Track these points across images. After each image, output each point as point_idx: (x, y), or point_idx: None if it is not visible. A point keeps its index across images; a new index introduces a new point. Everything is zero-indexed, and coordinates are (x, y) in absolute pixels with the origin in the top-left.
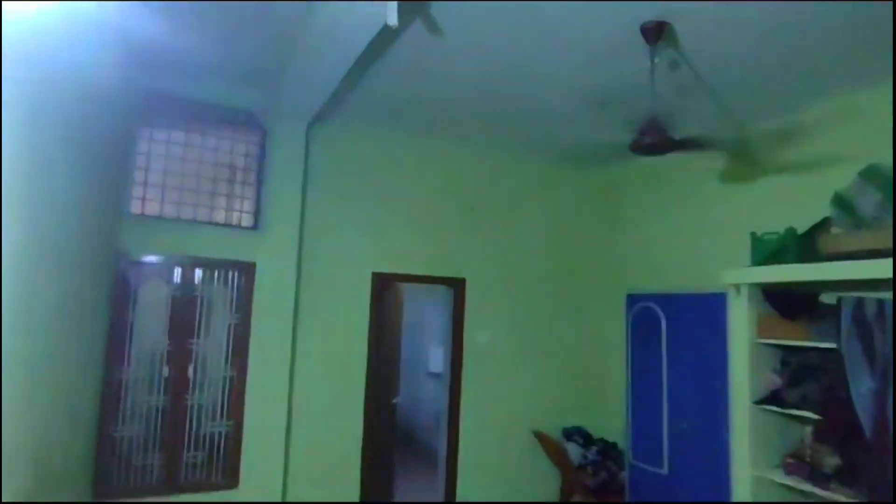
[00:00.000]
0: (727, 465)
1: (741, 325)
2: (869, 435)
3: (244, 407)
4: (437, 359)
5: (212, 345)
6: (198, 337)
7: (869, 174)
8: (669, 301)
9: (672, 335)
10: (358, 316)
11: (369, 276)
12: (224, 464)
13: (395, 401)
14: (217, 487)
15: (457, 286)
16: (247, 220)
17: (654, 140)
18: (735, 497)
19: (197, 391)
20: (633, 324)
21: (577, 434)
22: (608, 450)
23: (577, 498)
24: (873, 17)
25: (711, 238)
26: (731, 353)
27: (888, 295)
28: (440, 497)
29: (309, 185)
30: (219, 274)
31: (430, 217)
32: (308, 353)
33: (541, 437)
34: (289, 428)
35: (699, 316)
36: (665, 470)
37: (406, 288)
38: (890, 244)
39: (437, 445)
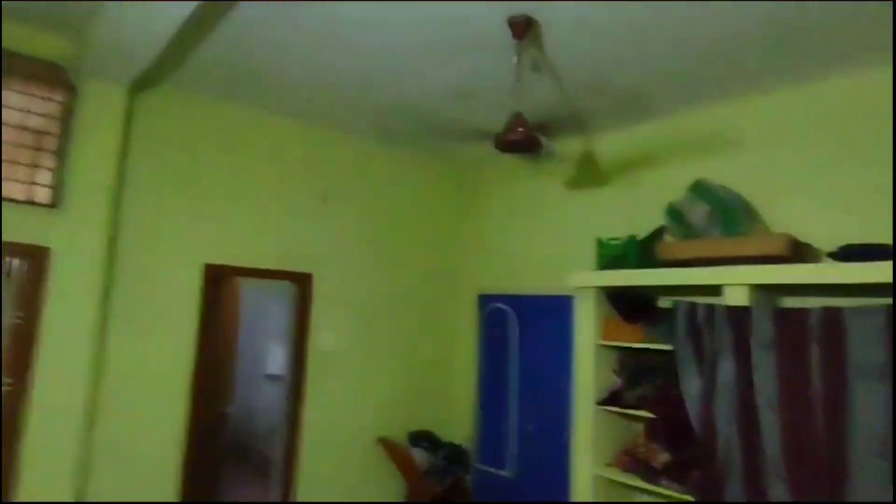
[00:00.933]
0: (569, 466)
1: (586, 328)
2: (697, 431)
3: (21, 426)
4: (276, 359)
5: None
6: None
7: (697, 188)
8: (520, 302)
9: (522, 337)
10: (184, 314)
11: (200, 269)
12: None
13: (227, 410)
14: None
15: (302, 282)
16: (43, 196)
17: (519, 138)
18: (574, 496)
19: None
20: (485, 325)
21: (424, 439)
22: (455, 454)
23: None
24: (741, 31)
25: (562, 240)
26: (575, 355)
27: (717, 300)
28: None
29: (131, 160)
30: None
31: (275, 205)
32: (118, 359)
33: (385, 444)
34: (86, 447)
35: (548, 318)
36: (510, 472)
37: (245, 282)
38: (718, 253)
39: (274, 455)
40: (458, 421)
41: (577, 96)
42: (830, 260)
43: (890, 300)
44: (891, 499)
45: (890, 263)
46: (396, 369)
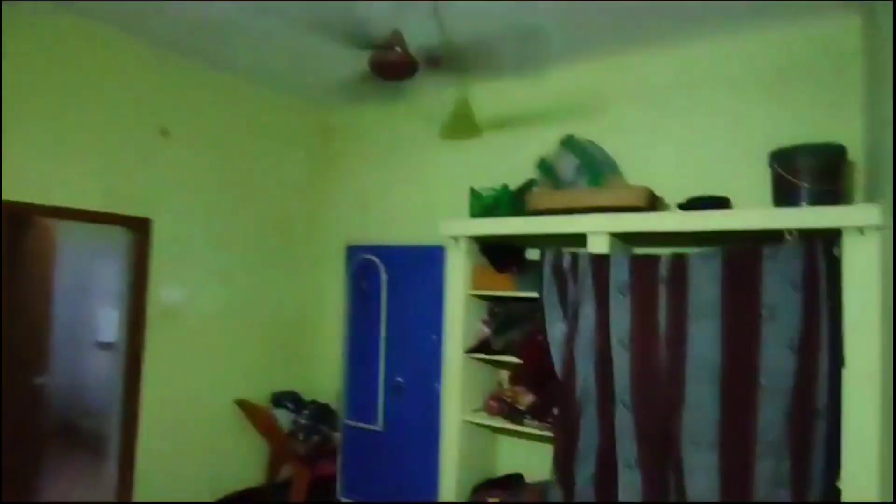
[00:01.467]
0: (439, 415)
1: (457, 278)
2: (560, 374)
3: None
4: (109, 324)
5: None
6: None
7: (567, 143)
8: (390, 253)
9: (392, 289)
10: None
11: None
12: None
13: (39, 381)
14: None
15: (139, 228)
16: None
17: (396, 59)
18: (443, 441)
19: None
20: (353, 277)
21: (287, 399)
22: (321, 412)
23: (288, 469)
24: None
25: (434, 191)
26: (447, 305)
27: (582, 249)
28: (111, 497)
29: None
30: None
31: (106, 135)
32: None
33: (245, 407)
34: None
35: (419, 269)
36: (380, 426)
37: (63, 229)
38: (582, 203)
39: (110, 433)
40: (325, 378)
41: (455, 44)
42: (678, 210)
43: (726, 246)
44: (717, 417)
45: (727, 212)
46: (254, 328)
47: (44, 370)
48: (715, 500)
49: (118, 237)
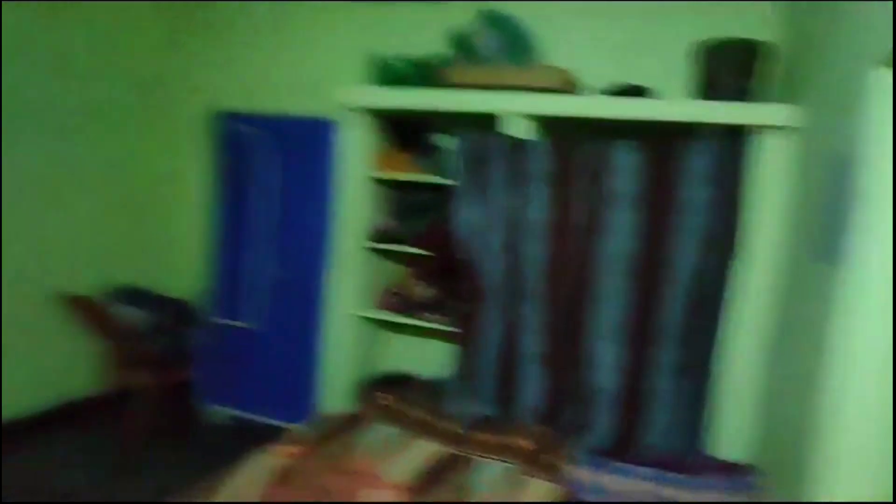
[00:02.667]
0: (326, 312)
1: (354, 157)
2: (467, 265)
3: None
4: None
5: None
6: None
7: (490, 18)
8: (271, 124)
9: (271, 167)
10: None
11: None
12: None
13: None
14: None
15: None
16: None
17: None
18: (329, 337)
19: None
20: (223, 151)
21: (131, 295)
22: (176, 310)
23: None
24: None
25: (324, 57)
26: (339, 188)
27: (500, 133)
28: None
29: None
30: None
31: None
32: None
33: (77, 303)
34: None
35: (304, 145)
36: (253, 324)
37: None
38: (502, 81)
39: None
40: (181, 271)
41: None
42: (601, 96)
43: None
44: (625, 309)
45: (649, 102)
46: (91, 208)
47: None
48: (617, 391)
49: None
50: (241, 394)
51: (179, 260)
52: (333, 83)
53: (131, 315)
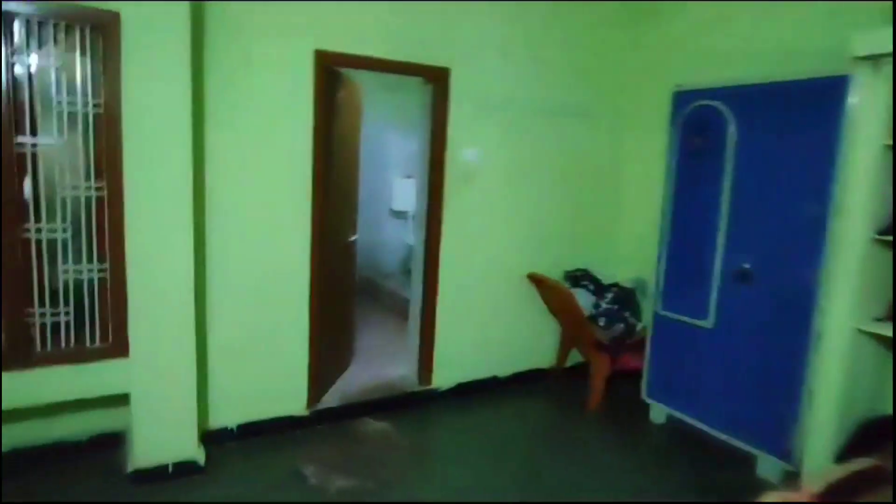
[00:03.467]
0: (810, 316)
1: (869, 121)
2: None
3: (124, 240)
4: (403, 193)
5: (61, 147)
6: (33, 134)
7: None
8: (743, 96)
9: (744, 143)
10: (295, 113)
11: (310, 56)
12: (102, 323)
13: (352, 239)
14: (94, 356)
15: (438, 80)
16: None
17: None
18: (821, 356)
19: (44, 218)
20: (683, 130)
21: (585, 279)
22: (625, 297)
23: (577, 355)
24: None
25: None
26: (844, 162)
27: None
28: (413, 348)
29: None
30: (55, 33)
31: None
32: (223, 161)
33: (540, 282)
34: (200, 270)
35: (790, 114)
36: (710, 322)
37: (366, 88)
38: None
39: (405, 294)
40: (626, 257)
41: None
42: None
43: None
44: None
45: None
46: (551, 196)
47: (355, 230)
48: None
49: (415, 91)
50: (686, 396)
51: (624, 245)
52: (803, 44)
53: (585, 299)
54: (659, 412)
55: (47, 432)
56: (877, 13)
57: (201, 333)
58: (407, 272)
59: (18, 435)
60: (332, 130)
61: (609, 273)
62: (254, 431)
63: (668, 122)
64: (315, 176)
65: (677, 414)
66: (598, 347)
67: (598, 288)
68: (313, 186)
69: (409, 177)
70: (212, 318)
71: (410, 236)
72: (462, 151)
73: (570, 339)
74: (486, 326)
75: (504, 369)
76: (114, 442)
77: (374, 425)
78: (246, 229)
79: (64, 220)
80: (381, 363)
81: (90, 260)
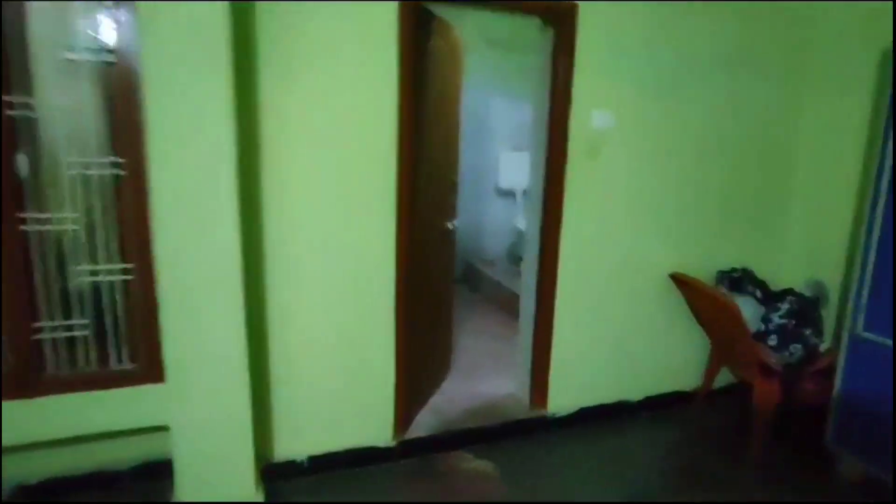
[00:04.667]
0: None
1: None
2: None
3: (150, 235)
4: (512, 168)
5: (65, 111)
6: (28, 93)
7: None
8: None
9: None
10: (374, 63)
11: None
12: (130, 339)
13: (451, 226)
14: (119, 380)
15: (562, 20)
16: None
17: None
18: None
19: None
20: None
21: (748, 282)
22: (804, 310)
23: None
24: None
25: None
26: None
27: None
28: (523, 360)
29: None
30: None
31: None
32: (285, 125)
33: (687, 285)
34: (255, 267)
35: None
36: None
37: (467, 46)
38: None
39: (511, 285)
40: (794, 254)
41: None
42: None
43: None
44: None
45: None
46: (700, 169)
47: (455, 214)
48: None
49: (531, 41)
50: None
51: (796, 237)
52: None
53: (749, 309)
54: (851, 466)
55: (82, 460)
56: None
57: (261, 346)
58: (514, 259)
59: (48, 464)
60: (425, 89)
61: (771, 273)
62: (328, 465)
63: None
64: (401, 145)
65: (880, 474)
66: (766, 372)
67: (767, 295)
68: (399, 158)
69: (518, 150)
70: (273, 326)
71: (520, 219)
72: (590, 115)
73: (724, 355)
74: (615, 337)
75: (636, 391)
76: (161, 470)
77: (474, 464)
78: (315, 213)
79: (74, 208)
80: (483, 374)
81: (110, 259)
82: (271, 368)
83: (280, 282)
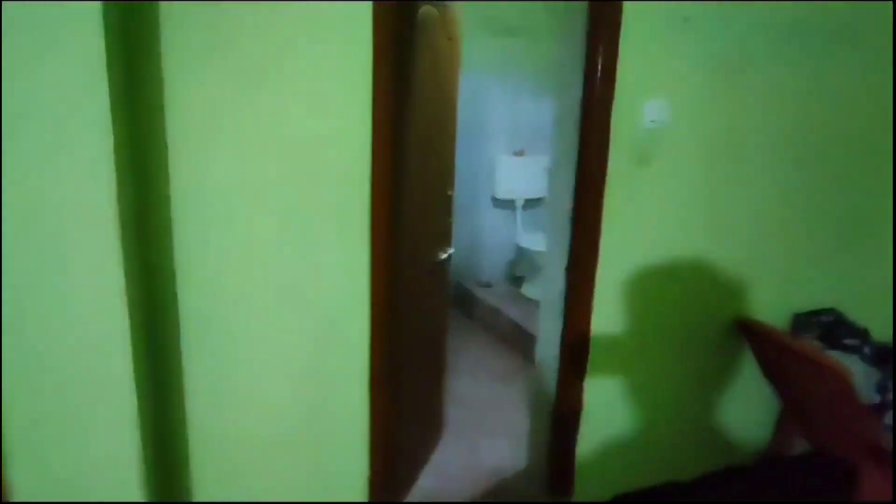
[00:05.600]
0: None
1: None
2: None
3: None
4: (509, 175)
5: None
6: None
7: None
8: None
9: None
10: (342, 60)
11: None
12: None
13: (444, 255)
14: None
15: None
16: None
17: None
18: None
19: None
20: None
21: (842, 331)
22: None
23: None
24: None
25: None
26: None
27: None
28: (539, 425)
29: None
30: None
31: None
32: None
33: (764, 337)
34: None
35: None
36: None
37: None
38: None
39: (510, 312)
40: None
41: None
42: None
43: None
44: None
45: None
46: (777, 178)
47: (449, 241)
48: None
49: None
50: None
51: (878, 266)
52: None
53: (856, 369)
54: None
55: None
56: None
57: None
58: (514, 280)
59: None
60: (410, 83)
61: (867, 315)
62: None
63: None
64: (376, 156)
65: None
66: (881, 459)
67: (876, 352)
68: (373, 173)
69: (518, 153)
70: (193, 430)
71: (521, 235)
72: (641, 108)
73: (804, 424)
74: (663, 399)
75: (688, 468)
76: None
77: None
78: (246, 242)
79: None
80: (484, 434)
81: None
82: (192, 488)
83: (198, 366)
